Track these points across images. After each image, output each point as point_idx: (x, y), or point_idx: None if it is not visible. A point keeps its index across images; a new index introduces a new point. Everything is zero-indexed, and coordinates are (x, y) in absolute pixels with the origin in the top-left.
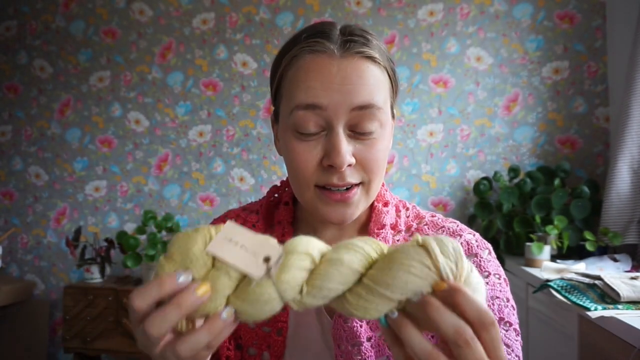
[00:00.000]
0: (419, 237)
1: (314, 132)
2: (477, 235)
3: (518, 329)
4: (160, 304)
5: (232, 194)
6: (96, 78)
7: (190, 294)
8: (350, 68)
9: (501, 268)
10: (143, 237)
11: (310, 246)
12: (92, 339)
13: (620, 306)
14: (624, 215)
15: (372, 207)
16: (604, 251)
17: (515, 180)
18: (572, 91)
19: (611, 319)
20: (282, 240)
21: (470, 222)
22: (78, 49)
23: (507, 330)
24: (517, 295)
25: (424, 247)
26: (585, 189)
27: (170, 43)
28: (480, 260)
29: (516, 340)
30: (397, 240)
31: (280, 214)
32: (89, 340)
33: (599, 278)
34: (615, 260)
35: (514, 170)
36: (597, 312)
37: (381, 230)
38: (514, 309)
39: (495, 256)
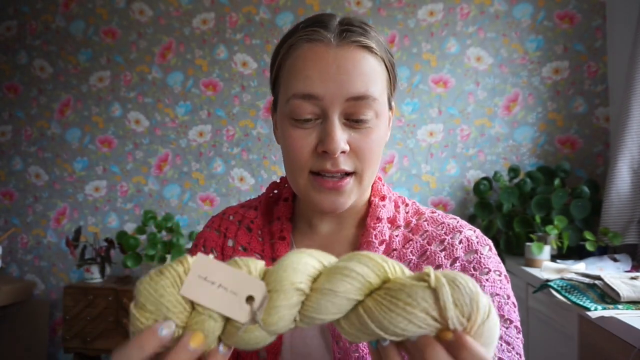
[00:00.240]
0: (432, 274)
1: (309, 119)
2: (478, 231)
3: (519, 326)
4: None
5: (232, 194)
6: (96, 78)
7: (185, 349)
8: (346, 57)
9: (502, 265)
10: (143, 237)
11: (298, 275)
12: (92, 339)
13: (620, 306)
14: (624, 215)
15: (369, 202)
16: (604, 251)
17: (515, 180)
18: (572, 91)
19: (611, 319)
20: (281, 236)
21: (470, 222)
22: (78, 49)
23: (507, 328)
24: (517, 295)
25: (435, 291)
26: (585, 189)
27: (170, 43)
28: (480, 257)
29: (517, 338)
30: (396, 236)
31: (279, 210)
32: (89, 340)
33: (599, 278)
34: (615, 260)
35: (514, 170)
36: (597, 312)
37: (378, 224)
38: (514, 306)
39: (496, 252)
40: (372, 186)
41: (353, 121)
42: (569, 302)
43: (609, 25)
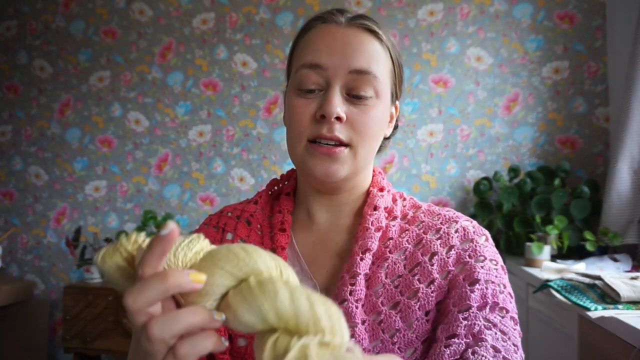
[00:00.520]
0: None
1: (313, 90)
2: (475, 222)
3: (516, 318)
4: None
5: (232, 194)
6: (96, 78)
7: (182, 275)
8: (352, 35)
9: (499, 255)
10: None
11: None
12: (92, 339)
13: (620, 306)
14: (624, 215)
15: (367, 192)
16: (604, 251)
17: (515, 180)
18: (572, 91)
19: (611, 319)
20: (281, 228)
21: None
22: (78, 49)
23: (503, 317)
24: (517, 295)
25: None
26: (585, 189)
27: (170, 43)
28: (476, 245)
29: (514, 329)
30: (393, 226)
31: (281, 204)
32: (89, 340)
33: (599, 278)
34: (615, 260)
35: (514, 170)
36: (597, 312)
37: (374, 212)
38: (511, 297)
39: (493, 243)
40: (372, 178)
41: (354, 97)
42: (569, 302)
43: (609, 25)
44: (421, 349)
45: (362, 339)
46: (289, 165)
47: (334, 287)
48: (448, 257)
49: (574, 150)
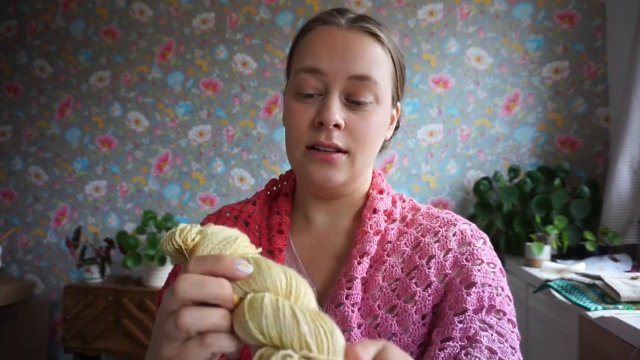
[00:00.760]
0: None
1: (312, 94)
2: (473, 225)
3: (514, 320)
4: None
5: (232, 194)
6: (96, 78)
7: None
8: (353, 39)
9: (497, 259)
10: (143, 237)
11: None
12: (92, 339)
13: (620, 306)
14: (624, 215)
15: (367, 195)
16: (604, 251)
17: (515, 180)
18: (572, 91)
19: (611, 319)
20: (279, 230)
21: (470, 222)
22: (78, 49)
23: (499, 319)
24: (517, 295)
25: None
26: (585, 189)
27: (170, 43)
28: (473, 249)
29: (512, 332)
30: (391, 229)
31: (279, 205)
32: (89, 340)
33: (599, 278)
34: (615, 260)
35: (514, 170)
36: (597, 312)
37: (374, 215)
38: (509, 300)
39: (491, 247)
40: (372, 180)
41: (353, 102)
42: (569, 302)
43: (609, 25)
44: (417, 353)
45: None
46: (289, 166)
47: (331, 290)
48: (445, 260)
49: (574, 150)
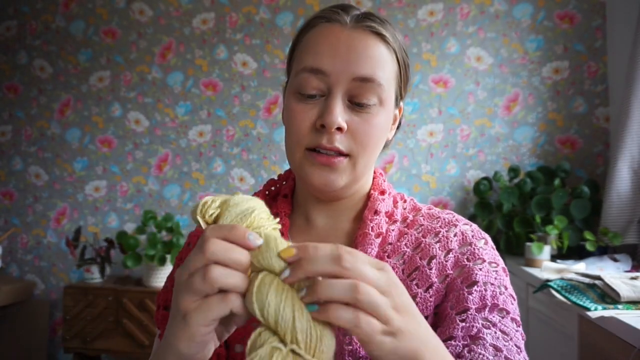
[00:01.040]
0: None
1: (314, 94)
2: (474, 226)
3: (518, 320)
4: None
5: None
6: (96, 78)
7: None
8: (357, 39)
9: (499, 258)
10: (143, 237)
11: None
12: (92, 339)
13: (620, 306)
14: (624, 215)
15: (368, 195)
16: (604, 251)
17: (515, 180)
18: (572, 91)
19: (611, 319)
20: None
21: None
22: (78, 49)
23: (502, 318)
24: (517, 295)
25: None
26: (585, 189)
27: (170, 43)
28: (474, 249)
29: (516, 331)
30: (392, 230)
31: (279, 206)
32: (89, 340)
33: (599, 278)
34: (615, 260)
35: (514, 170)
36: (597, 312)
37: (375, 217)
38: (513, 299)
39: (493, 246)
40: (373, 180)
41: (356, 104)
42: (569, 302)
43: (609, 25)
44: None
45: (359, 346)
46: (288, 165)
47: None
48: (446, 261)
49: (574, 150)
